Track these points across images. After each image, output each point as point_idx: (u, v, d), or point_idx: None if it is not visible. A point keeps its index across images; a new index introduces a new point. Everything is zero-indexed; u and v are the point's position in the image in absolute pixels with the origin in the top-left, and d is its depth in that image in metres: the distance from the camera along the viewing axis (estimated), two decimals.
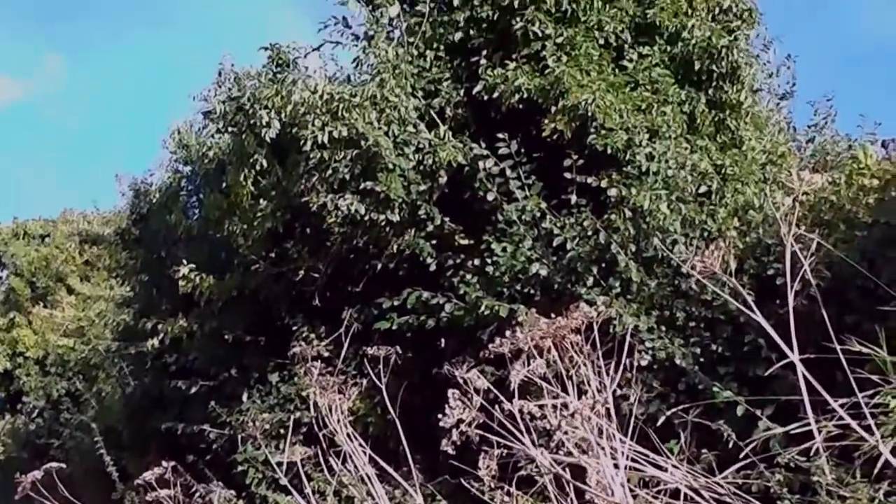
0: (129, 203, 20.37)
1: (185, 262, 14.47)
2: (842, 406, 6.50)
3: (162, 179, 19.95)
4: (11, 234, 37.19)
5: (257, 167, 13.19)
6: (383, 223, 12.05)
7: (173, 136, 20.21)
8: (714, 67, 13.02)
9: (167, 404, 16.44)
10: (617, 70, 12.50)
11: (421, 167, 12.14)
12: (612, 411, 7.36)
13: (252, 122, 13.12)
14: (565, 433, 7.06)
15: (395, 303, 11.92)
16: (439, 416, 7.31)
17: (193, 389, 15.11)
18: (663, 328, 10.60)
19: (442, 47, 12.85)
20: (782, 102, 16.57)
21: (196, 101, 17.68)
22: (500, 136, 11.53)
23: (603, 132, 11.48)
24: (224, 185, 15.31)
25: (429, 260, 12.12)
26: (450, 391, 7.30)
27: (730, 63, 13.02)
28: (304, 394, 12.00)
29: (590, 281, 10.93)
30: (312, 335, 13.14)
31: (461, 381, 7.28)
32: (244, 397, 13.87)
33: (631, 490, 7.01)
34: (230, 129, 15.17)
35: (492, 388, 7.40)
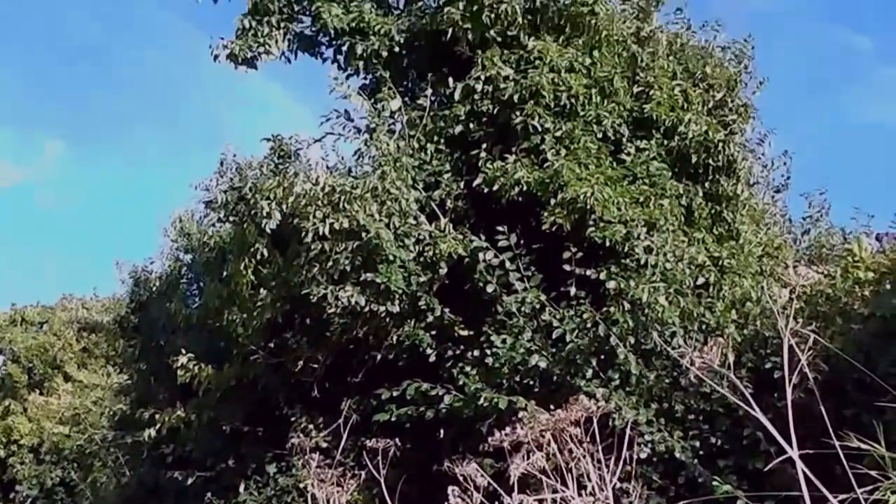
0: (129, 290, 20.48)
1: (183, 351, 14.47)
2: (841, 502, 6.50)
3: (162, 267, 20.11)
4: (9, 320, 37.14)
5: (258, 257, 13.29)
6: (383, 314, 12.08)
7: (174, 225, 20.44)
8: (710, 161, 13.24)
9: (163, 495, 16.29)
10: (615, 163, 12.68)
11: (421, 259, 12.23)
12: None
13: (253, 212, 13.25)
14: None
15: (395, 394, 11.89)
16: None
17: (190, 480, 15.00)
18: (662, 421, 10.59)
19: (443, 140, 13.05)
20: (778, 195, 16.80)
21: (198, 190, 17.99)
22: (500, 228, 11.63)
23: (601, 225, 11.61)
24: (224, 273, 15.39)
25: (428, 351, 12.13)
26: (450, 488, 7.27)
27: (726, 157, 13.24)
28: (301, 485, 11.92)
29: (589, 373, 10.94)
30: (311, 426, 13.09)
31: (461, 476, 7.27)
32: (241, 489, 13.76)
33: None
34: (231, 218, 15.37)
35: (491, 482, 7.38)
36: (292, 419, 13.48)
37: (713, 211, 13.46)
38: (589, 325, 11.16)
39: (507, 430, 7.44)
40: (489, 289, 11.63)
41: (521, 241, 11.69)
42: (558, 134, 12.37)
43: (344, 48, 13.40)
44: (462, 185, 12.86)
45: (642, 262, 11.44)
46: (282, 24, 13.25)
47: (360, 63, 13.34)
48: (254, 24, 13.12)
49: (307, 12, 13.47)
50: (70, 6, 37.50)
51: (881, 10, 35.14)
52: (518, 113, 12.43)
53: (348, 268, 12.14)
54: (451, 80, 12.94)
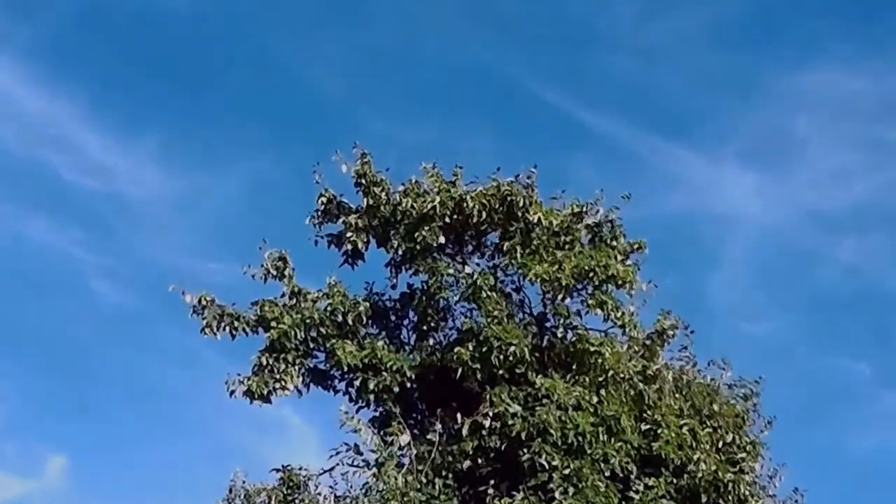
0: None
1: None
2: None
3: None
4: None
5: None
6: None
7: None
8: (721, 500, 13.17)
9: None
10: (624, 502, 12.60)
11: None
12: None
13: None
14: None
15: None
16: None
17: None
18: None
19: (450, 475, 13.07)
20: None
21: None
22: None
23: None
24: None
25: None
26: None
27: (737, 496, 13.17)
28: None
29: None
30: None
31: None
32: None
33: None
34: None
35: None
36: None
37: None
38: None
39: None
40: None
41: None
42: (566, 472, 12.39)
43: (356, 382, 13.72)
44: None
45: None
46: (297, 361, 13.67)
47: (372, 397, 13.61)
48: (270, 360, 13.54)
49: (322, 348, 13.93)
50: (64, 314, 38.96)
51: (881, 335, 36.06)
52: (526, 450, 12.53)
53: None
54: (459, 415, 13.16)
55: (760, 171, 38.65)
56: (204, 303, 13.91)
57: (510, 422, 12.75)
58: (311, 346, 13.90)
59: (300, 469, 14.03)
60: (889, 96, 36.04)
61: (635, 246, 14.49)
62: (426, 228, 13.78)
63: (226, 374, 13.77)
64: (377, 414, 14.04)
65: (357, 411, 13.74)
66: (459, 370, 13.13)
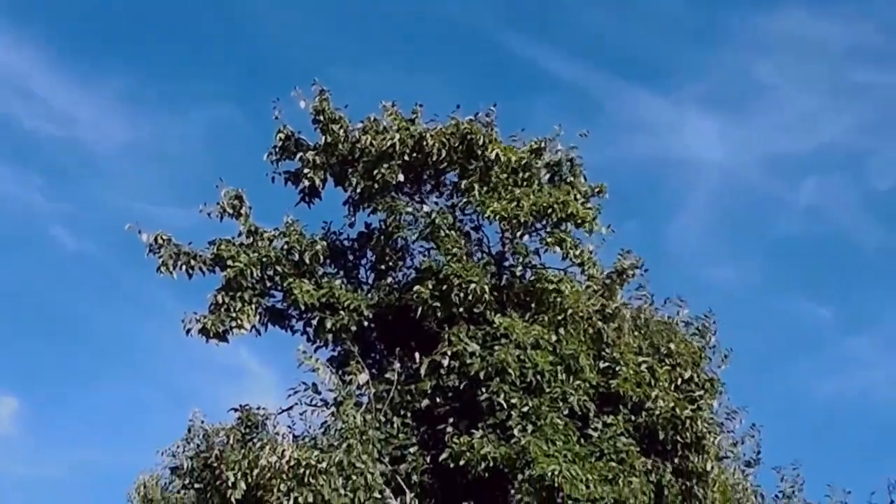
0: None
1: None
2: None
3: None
4: None
5: None
6: None
7: (138, 490, 20.04)
8: (679, 437, 13.26)
9: None
10: (582, 439, 12.67)
11: None
12: None
13: (218, 482, 13.03)
14: None
15: None
16: None
17: None
18: None
19: (409, 414, 13.07)
20: (749, 469, 16.68)
21: (164, 455, 17.70)
22: None
23: (570, 503, 11.47)
24: None
25: None
26: None
27: (694, 433, 13.27)
28: None
29: None
30: None
31: None
32: None
33: None
34: (196, 485, 15.05)
35: None
36: None
37: (683, 487, 13.36)
38: None
39: None
40: None
41: None
42: (525, 410, 12.42)
43: (314, 322, 13.65)
44: (428, 459, 12.79)
45: None
46: (254, 300, 13.58)
47: (329, 336, 13.57)
48: (227, 299, 13.42)
49: (279, 287, 13.83)
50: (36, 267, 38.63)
51: (842, 280, 36.40)
52: (484, 389, 12.53)
53: None
54: (417, 354, 13.10)
55: (723, 116, 38.79)
56: (160, 241, 13.75)
57: (468, 361, 12.73)
58: (268, 284, 13.81)
59: (258, 409, 13.96)
60: (854, 38, 36.09)
61: (596, 189, 14.45)
62: (385, 166, 13.64)
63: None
64: (335, 353, 14.00)
65: (315, 351, 13.73)
66: (419, 309, 13.07)
